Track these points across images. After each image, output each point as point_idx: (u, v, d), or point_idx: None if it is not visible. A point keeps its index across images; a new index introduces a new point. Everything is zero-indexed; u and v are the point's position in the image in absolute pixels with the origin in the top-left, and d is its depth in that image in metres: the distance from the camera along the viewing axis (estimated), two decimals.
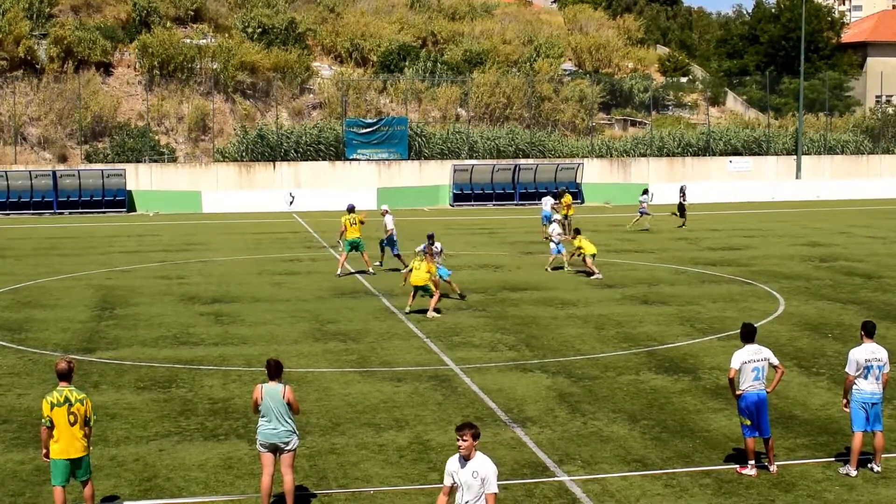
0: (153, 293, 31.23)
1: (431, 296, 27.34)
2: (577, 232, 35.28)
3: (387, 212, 35.73)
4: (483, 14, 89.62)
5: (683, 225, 50.11)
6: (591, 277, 33.53)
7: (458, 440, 10.97)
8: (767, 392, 15.12)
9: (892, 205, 64.94)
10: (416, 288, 27.56)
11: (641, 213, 49.46)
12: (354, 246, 34.37)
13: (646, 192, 51.25)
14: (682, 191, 52.66)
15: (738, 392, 15.04)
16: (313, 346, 23.93)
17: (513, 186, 66.10)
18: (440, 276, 28.93)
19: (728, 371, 15.14)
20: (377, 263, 35.54)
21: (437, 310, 27.41)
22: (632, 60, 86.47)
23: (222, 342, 24.31)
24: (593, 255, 33.83)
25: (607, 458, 15.84)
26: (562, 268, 35.69)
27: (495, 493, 10.90)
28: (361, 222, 34.64)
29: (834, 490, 14.52)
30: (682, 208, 50.95)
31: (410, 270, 27.83)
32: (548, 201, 47.83)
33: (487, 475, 10.84)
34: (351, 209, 34.97)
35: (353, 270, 34.99)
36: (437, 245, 29.84)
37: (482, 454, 11.03)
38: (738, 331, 15.59)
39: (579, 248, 33.98)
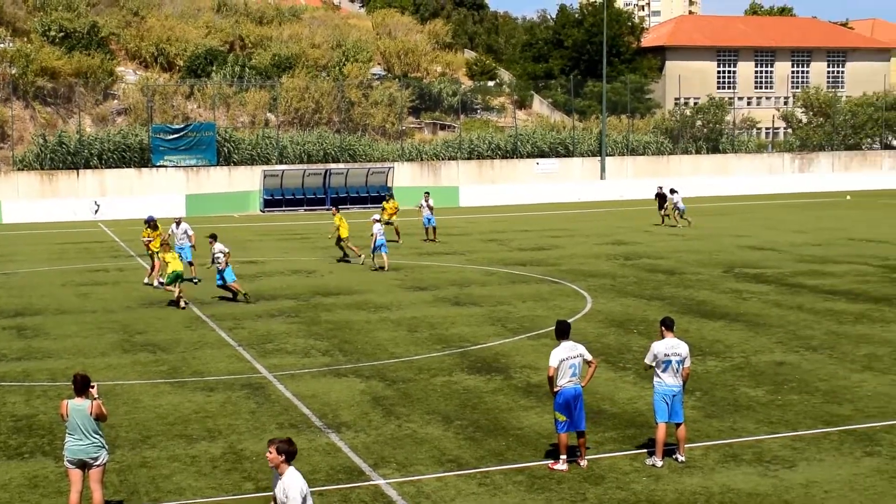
0: None
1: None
2: (338, 210, 39.18)
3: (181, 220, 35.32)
4: (291, 18, 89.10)
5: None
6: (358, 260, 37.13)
7: (267, 452, 10.92)
8: (582, 386, 15.48)
9: (692, 203, 67.16)
10: (178, 276, 29.62)
11: (679, 209, 50.78)
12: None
13: (673, 191, 51.95)
14: (664, 193, 52.60)
15: (555, 389, 15.32)
16: (122, 357, 23.38)
17: (324, 191, 65.94)
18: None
19: (548, 369, 15.37)
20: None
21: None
22: (440, 64, 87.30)
23: (25, 357, 23.52)
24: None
25: (422, 460, 15.94)
26: (383, 268, 36.36)
27: None
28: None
29: (641, 481, 14.95)
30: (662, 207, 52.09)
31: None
32: (424, 204, 46.35)
33: (289, 495, 10.69)
34: (150, 221, 34.40)
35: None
36: (218, 246, 30.88)
37: (294, 472, 10.82)
38: (552, 328, 15.83)
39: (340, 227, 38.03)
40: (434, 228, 45.68)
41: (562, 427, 15.32)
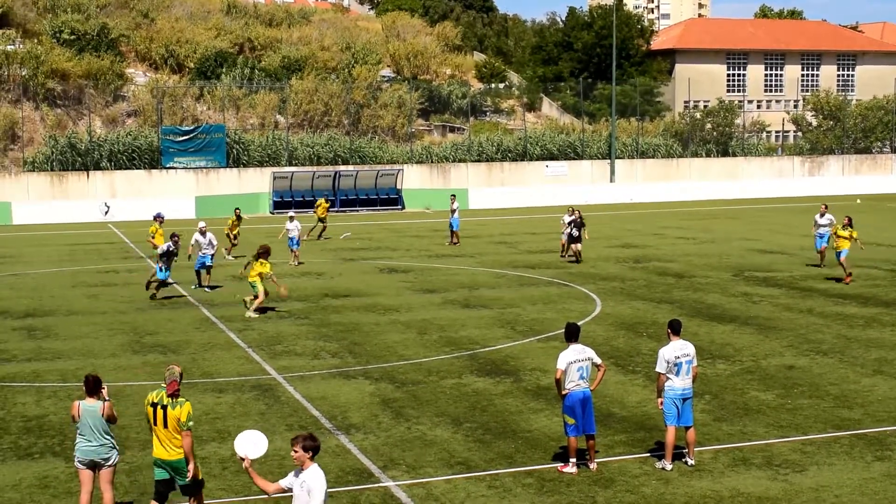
0: None
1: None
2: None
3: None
4: (300, 20, 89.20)
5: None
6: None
7: (292, 450, 10.85)
8: (591, 390, 15.45)
9: (701, 206, 67.19)
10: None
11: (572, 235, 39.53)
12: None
13: (572, 210, 40.43)
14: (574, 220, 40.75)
15: (563, 392, 15.30)
16: (132, 358, 23.42)
17: (333, 193, 65.95)
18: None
19: (555, 371, 15.34)
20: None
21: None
22: (449, 67, 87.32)
23: (36, 357, 23.56)
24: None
25: (431, 462, 15.94)
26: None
27: None
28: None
29: (651, 484, 14.93)
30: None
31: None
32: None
33: (313, 489, 10.69)
34: (158, 218, 34.16)
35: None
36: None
37: (317, 467, 10.74)
38: (562, 331, 15.81)
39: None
40: (455, 232, 45.64)
41: (571, 430, 15.30)
